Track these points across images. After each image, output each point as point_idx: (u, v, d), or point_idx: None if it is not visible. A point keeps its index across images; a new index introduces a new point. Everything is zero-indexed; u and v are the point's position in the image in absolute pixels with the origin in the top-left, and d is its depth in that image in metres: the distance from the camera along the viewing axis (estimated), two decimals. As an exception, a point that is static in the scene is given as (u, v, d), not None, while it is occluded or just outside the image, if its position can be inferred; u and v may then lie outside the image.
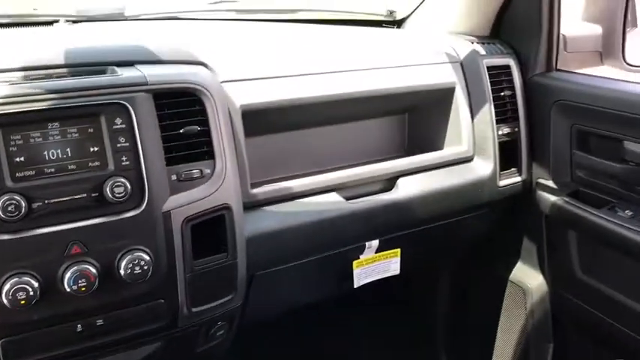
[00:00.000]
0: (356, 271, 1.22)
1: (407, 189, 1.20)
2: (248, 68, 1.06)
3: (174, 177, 0.91)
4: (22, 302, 0.80)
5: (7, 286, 0.79)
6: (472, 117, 1.29)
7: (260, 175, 1.10)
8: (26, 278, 0.80)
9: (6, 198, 0.79)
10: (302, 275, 1.18)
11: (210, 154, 0.94)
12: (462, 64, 1.30)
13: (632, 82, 1.24)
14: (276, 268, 1.10)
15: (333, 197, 1.13)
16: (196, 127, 0.93)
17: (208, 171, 0.94)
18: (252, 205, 1.04)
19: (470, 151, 1.29)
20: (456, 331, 1.63)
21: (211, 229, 0.95)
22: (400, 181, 1.21)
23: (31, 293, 0.80)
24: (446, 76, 1.28)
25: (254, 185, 1.05)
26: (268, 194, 1.06)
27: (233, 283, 0.99)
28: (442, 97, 1.29)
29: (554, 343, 1.41)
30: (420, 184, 1.22)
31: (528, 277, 1.41)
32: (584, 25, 1.39)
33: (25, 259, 0.80)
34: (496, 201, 1.32)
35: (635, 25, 1.51)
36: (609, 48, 1.36)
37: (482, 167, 1.29)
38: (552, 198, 1.30)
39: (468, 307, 1.59)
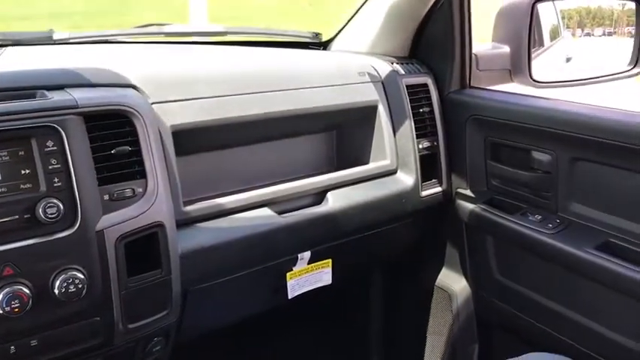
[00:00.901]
0: (290, 283, 1.26)
1: (335, 202, 1.26)
2: (177, 90, 1.10)
3: (106, 196, 0.93)
4: None
5: None
6: (394, 132, 1.37)
7: (193, 192, 1.13)
8: None
9: None
10: (237, 289, 1.21)
11: (141, 174, 0.97)
12: (383, 83, 1.37)
13: (539, 97, 1.35)
14: (210, 283, 1.13)
15: (265, 212, 1.17)
16: (127, 147, 0.96)
17: (140, 190, 0.96)
18: (185, 222, 1.07)
19: (393, 165, 1.37)
20: (389, 338, 1.70)
21: (145, 246, 0.98)
22: (329, 194, 1.26)
23: None
24: (368, 94, 1.36)
25: (187, 203, 1.08)
26: (201, 211, 1.09)
27: (168, 298, 1.02)
28: (366, 115, 1.36)
29: (479, 343, 1.50)
30: (348, 197, 1.28)
31: (453, 282, 1.50)
32: (494, 45, 1.50)
33: None
34: (419, 210, 1.40)
35: (541, 44, 1.64)
36: (517, 66, 1.47)
37: (406, 179, 1.37)
38: (470, 206, 1.39)
39: (399, 314, 1.66)
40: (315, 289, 1.32)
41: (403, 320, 1.66)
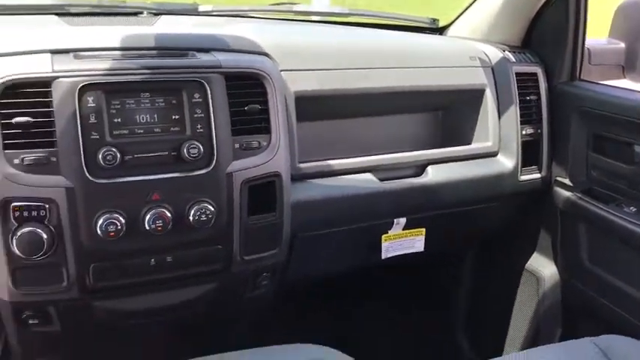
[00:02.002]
0: (384, 244, 1.38)
1: (435, 175, 1.36)
2: (303, 60, 1.24)
3: (237, 145, 1.09)
4: (112, 234, 0.99)
5: (100, 221, 0.99)
6: (499, 117, 1.44)
7: (307, 153, 1.28)
8: (116, 215, 0.99)
9: (105, 150, 0.98)
10: (337, 242, 1.35)
11: (267, 130, 1.12)
12: (492, 69, 1.45)
13: (648, 95, 1.37)
14: (315, 233, 1.28)
15: (369, 177, 1.30)
16: (257, 105, 1.11)
17: (265, 143, 1.12)
18: (299, 177, 1.22)
19: (495, 147, 1.44)
20: (473, 314, 1.77)
21: (264, 193, 1.14)
22: (430, 167, 1.37)
23: (119, 228, 0.99)
24: (478, 78, 1.43)
25: (301, 161, 1.23)
26: (312, 169, 1.24)
27: (278, 239, 1.17)
28: (473, 98, 1.44)
29: (562, 328, 1.54)
30: (447, 172, 1.38)
31: (542, 267, 1.55)
32: (609, 40, 1.52)
33: (116, 200, 1.00)
34: (516, 194, 1.47)
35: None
36: (631, 63, 1.49)
37: (505, 162, 1.44)
38: (567, 194, 1.44)
39: (486, 292, 1.73)
40: (407, 255, 1.43)
41: (489, 299, 1.72)
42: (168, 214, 1.03)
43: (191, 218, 1.04)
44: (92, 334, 1.14)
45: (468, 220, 1.50)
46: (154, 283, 1.10)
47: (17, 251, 0.96)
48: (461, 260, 1.76)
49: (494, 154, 1.45)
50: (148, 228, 1.02)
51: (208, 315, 1.21)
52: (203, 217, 1.05)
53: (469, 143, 1.46)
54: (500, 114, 1.44)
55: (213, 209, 1.05)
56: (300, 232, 1.25)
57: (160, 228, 1.02)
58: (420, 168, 1.37)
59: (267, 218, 1.15)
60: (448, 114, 1.51)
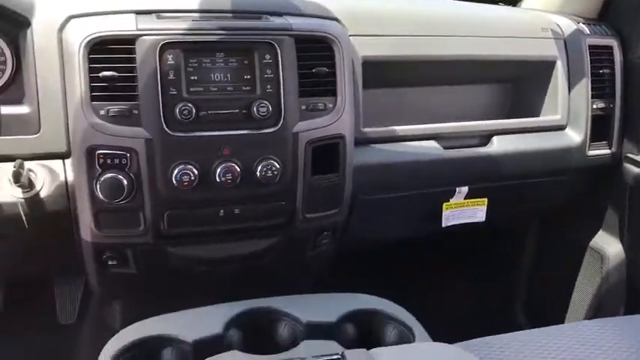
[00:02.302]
0: (445, 213, 1.40)
1: (500, 146, 1.36)
2: (372, 26, 1.27)
3: (303, 106, 1.14)
4: (185, 184, 1.06)
5: (175, 171, 1.06)
6: (569, 90, 1.42)
7: (371, 118, 1.31)
8: (190, 167, 1.06)
9: (182, 105, 1.05)
10: (397, 207, 1.38)
11: (333, 92, 1.16)
12: (565, 41, 1.42)
13: None
14: (375, 196, 1.31)
15: (433, 144, 1.32)
16: (325, 69, 1.15)
17: (330, 105, 1.16)
18: (362, 141, 1.25)
19: (563, 121, 1.42)
20: (534, 289, 1.77)
21: (327, 154, 1.18)
22: (495, 138, 1.37)
23: (192, 179, 1.06)
24: (549, 50, 1.42)
25: (365, 125, 1.26)
26: (376, 134, 1.27)
27: (339, 199, 1.22)
28: (543, 69, 1.43)
29: (625, 308, 1.52)
30: (513, 143, 1.37)
31: (607, 244, 1.53)
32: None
33: (190, 153, 1.07)
34: (583, 168, 1.45)
35: None
36: None
37: (574, 136, 1.42)
38: (638, 171, 1.40)
39: (547, 268, 1.72)
40: (468, 224, 1.44)
41: (550, 274, 1.71)
42: (237, 169, 1.09)
43: (258, 174, 1.10)
44: (165, 277, 1.22)
45: (532, 193, 1.49)
46: (222, 234, 1.17)
47: (100, 195, 1.05)
48: (523, 233, 1.75)
49: (562, 128, 1.43)
50: (218, 181, 1.08)
51: (272, 268, 1.27)
52: (269, 174, 1.10)
53: (537, 116, 1.45)
54: (570, 87, 1.42)
55: (278, 167, 1.11)
56: (362, 195, 1.29)
57: (229, 181, 1.08)
58: (486, 138, 1.38)
59: (330, 179, 1.19)
60: (517, 85, 1.50)
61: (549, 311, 1.69)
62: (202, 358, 0.82)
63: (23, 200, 1.08)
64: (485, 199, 1.41)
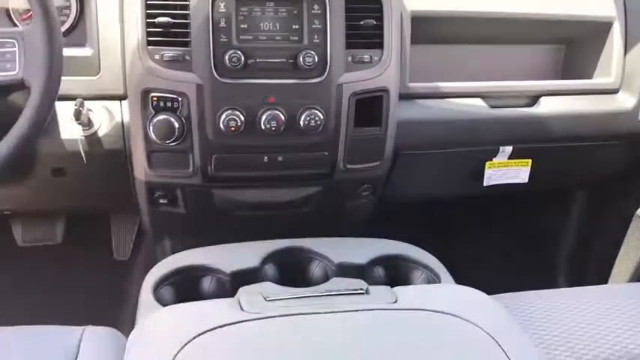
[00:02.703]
0: (487, 172, 1.40)
1: (548, 107, 1.35)
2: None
3: (349, 58, 1.16)
4: (232, 129, 1.11)
5: (223, 116, 1.11)
6: (625, 52, 1.38)
7: (417, 74, 1.32)
8: (237, 113, 1.11)
9: (231, 52, 1.09)
10: (439, 163, 1.40)
11: (379, 45, 1.17)
12: (624, 1, 1.38)
13: None
14: (418, 152, 1.33)
15: (478, 102, 1.32)
16: (373, 21, 1.16)
17: (376, 58, 1.17)
18: (406, 96, 1.27)
19: (616, 84, 1.39)
20: (576, 256, 1.75)
21: (371, 106, 1.20)
22: (543, 99, 1.36)
23: (239, 124, 1.11)
24: (606, 10, 1.38)
25: (411, 80, 1.27)
26: (421, 89, 1.28)
27: (381, 153, 1.24)
28: (599, 30, 1.39)
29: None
30: (561, 105, 1.36)
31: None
32: None
33: (237, 99, 1.11)
34: (634, 134, 1.42)
35: None
36: None
37: (626, 100, 1.39)
38: (692, 140, 1.37)
39: (590, 235, 1.70)
40: (510, 186, 1.45)
41: (594, 243, 1.70)
42: (282, 117, 1.13)
43: (301, 123, 1.14)
44: (210, 218, 1.29)
45: (579, 157, 1.47)
46: (265, 180, 1.22)
47: (153, 136, 1.11)
48: (567, 199, 1.73)
49: (614, 91, 1.40)
50: (263, 127, 1.12)
51: (311, 217, 1.32)
52: (312, 123, 1.14)
53: (588, 78, 1.42)
54: (627, 48, 1.38)
55: (322, 117, 1.14)
56: (404, 150, 1.31)
57: (273, 129, 1.13)
58: (534, 98, 1.36)
59: (372, 132, 1.21)
60: (569, 46, 1.46)
61: (591, 281, 1.68)
62: (238, 286, 0.88)
63: (83, 138, 1.16)
64: (530, 161, 1.41)
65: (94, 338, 0.95)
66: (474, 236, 1.87)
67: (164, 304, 0.85)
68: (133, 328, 0.84)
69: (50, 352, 0.91)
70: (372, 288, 0.75)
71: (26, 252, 1.64)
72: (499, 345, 0.65)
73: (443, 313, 0.69)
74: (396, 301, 0.72)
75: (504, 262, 1.84)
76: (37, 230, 1.63)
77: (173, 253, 1.50)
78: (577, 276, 1.77)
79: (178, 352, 0.60)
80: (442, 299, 0.73)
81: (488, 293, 0.96)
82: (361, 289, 0.75)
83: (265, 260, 0.94)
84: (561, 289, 1.09)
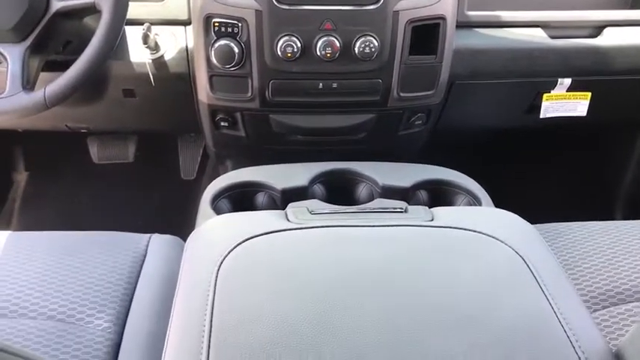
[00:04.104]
0: (544, 104, 1.39)
1: (612, 38, 1.31)
2: None
3: None
4: (289, 55, 1.15)
5: (280, 42, 1.15)
6: (702, -19, 1.31)
7: (475, 2, 1.30)
8: (293, 39, 1.15)
9: None
10: (495, 94, 1.39)
11: None
12: None
13: None
14: (474, 81, 1.33)
15: (538, 32, 1.30)
16: (432, -53, 1.16)
17: None
18: (464, 25, 1.26)
19: (690, 15, 1.33)
20: (634, 194, 1.72)
21: (427, 34, 1.21)
22: (607, 29, 1.31)
23: (295, 50, 1.15)
24: None
25: (469, 9, 1.26)
26: (480, 18, 1.27)
27: (435, 82, 1.25)
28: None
29: None
30: (627, 37, 1.31)
31: None
32: None
33: (294, 25, 1.14)
34: None
35: None
36: None
37: (699, 33, 1.33)
38: None
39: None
40: (567, 121, 1.43)
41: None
42: (337, 44, 1.15)
43: (356, 50, 1.16)
44: (267, 141, 1.36)
45: (641, 91, 1.43)
46: (320, 106, 1.26)
47: (214, 60, 1.17)
48: (627, 135, 1.69)
49: (686, 24, 1.34)
50: (318, 54, 1.16)
51: (363, 145, 1.36)
52: (367, 50, 1.16)
53: (660, 8, 1.36)
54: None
55: (377, 44, 1.16)
56: (459, 79, 1.31)
57: (328, 55, 1.16)
58: (598, 29, 1.32)
59: (427, 60, 1.22)
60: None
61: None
62: (288, 202, 0.95)
63: (150, 61, 1.24)
64: (589, 94, 1.38)
65: (159, 244, 1.05)
66: (525, 170, 1.86)
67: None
68: (192, 235, 0.94)
69: (121, 254, 1.02)
70: (411, 207, 0.79)
71: (102, 169, 1.77)
72: (529, 267, 0.69)
73: (475, 231, 0.73)
74: (432, 219, 0.77)
75: (555, 199, 1.84)
76: (110, 149, 1.75)
77: (234, 173, 1.60)
78: (634, 215, 1.75)
79: (228, 253, 0.67)
80: (477, 219, 0.76)
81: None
82: (401, 208, 0.80)
83: (314, 180, 1.00)
84: (607, 222, 1.10)
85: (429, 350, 0.58)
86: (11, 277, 0.96)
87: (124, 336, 0.89)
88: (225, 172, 1.63)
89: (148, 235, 1.07)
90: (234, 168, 1.57)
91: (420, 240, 0.72)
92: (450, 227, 0.74)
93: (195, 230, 0.77)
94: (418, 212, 0.78)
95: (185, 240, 1.07)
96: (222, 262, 0.65)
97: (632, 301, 0.95)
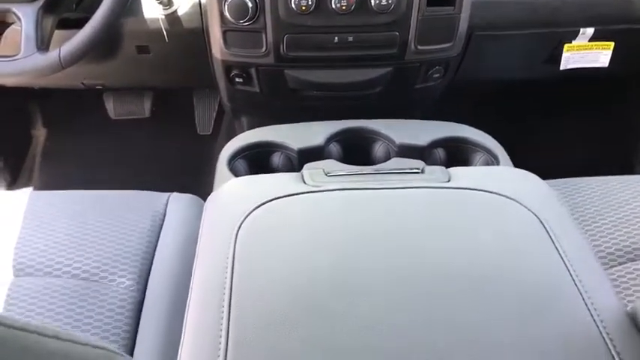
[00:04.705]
0: (565, 55, 1.36)
1: (638, -16, 1.27)
2: None
3: None
4: (303, 8, 1.13)
5: None
6: None
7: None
8: None
9: None
10: (515, 45, 1.36)
11: None
12: None
13: None
14: (492, 33, 1.30)
15: None
16: None
17: None
18: None
19: None
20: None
21: None
22: None
23: (309, 4, 1.12)
24: None
25: (489, -43, 1.22)
26: None
27: (454, 33, 1.23)
28: None
29: None
30: (654, -18, 1.27)
31: None
32: None
33: None
34: None
35: None
36: None
37: None
38: None
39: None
40: (588, 70, 1.39)
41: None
42: None
43: (372, 2, 1.13)
44: (283, 97, 1.35)
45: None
46: (336, 60, 1.24)
47: (228, 15, 1.15)
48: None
49: None
50: (333, 6, 1.13)
51: (380, 99, 1.35)
52: (383, 2, 1.13)
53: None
54: None
55: None
56: (478, 31, 1.28)
57: (344, 7, 1.13)
58: None
59: (446, 11, 1.19)
60: None
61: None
62: (305, 162, 0.95)
63: (164, 17, 1.22)
64: (612, 44, 1.34)
65: (179, 203, 1.06)
66: (543, 125, 1.83)
67: (237, 176, 0.93)
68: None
69: (141, 213, 1.04)
70: (427, 168, 0.79)
71: (119, 125, 1.78)
72: (545, 229, 0.69)
73: (492, 192, 0.73)
74: (449, 180, 0.77)
75: (573, 153, 1.81)
76: (126, 105, 1.76)
77: (249, 129, 1.60)
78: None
79: (245, 217, 0.68)
80: (493, 180, 0.76)
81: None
82: (417, 168, 0.80)
83: (330, 139, 1.00)
84: (627, 176, 1.08)
85: (443, 314, 0.59)
86: (35, 237, 0.98)
87: (146, 294, 0.91)
88: (240, 129, 1.64)
89: (167, 194, 1.09)
90: (250, 124, 1.57)
91: (436, 202, 0.72)
92: (467, 189, 0.73)
93: (213, 193, 0.78)
94: (435, 173, 0.78)
95: (203, 199, 1.09)
96: (239, 227, 0.66)
97: (650, 257, 0.95)
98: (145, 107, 1.76)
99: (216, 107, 1.83)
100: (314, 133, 1.01)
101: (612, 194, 1.04)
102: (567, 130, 1.83)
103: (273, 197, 0.71)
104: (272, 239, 0.66)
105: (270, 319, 0.58)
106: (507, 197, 0.72)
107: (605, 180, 1.09)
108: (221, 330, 0.56)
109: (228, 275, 0.61)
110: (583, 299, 0.61)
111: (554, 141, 1.81)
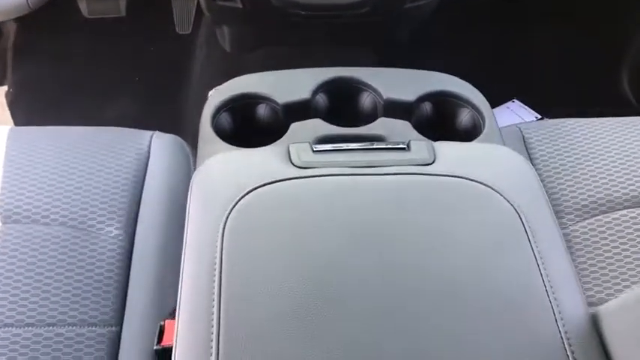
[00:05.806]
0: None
1: None
2: None
3: None
4: None
5: None
6: None
7: None
8: None
9: None
10: None
11: None
12: None
13: None
14: None
15: None
16: None
17: None
18: None
19: None
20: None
21: None
22: None
23: None
24: None
25: None
26: None
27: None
28: None
29: None
30: None
31: None
32: None
33: None
34: None
35: None
36: None
37: None
38: None
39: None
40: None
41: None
42: None
43: None
44: (268, 18, 1.29)
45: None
46: None
47: None
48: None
49: None
50: None
51: (370, 20, 1.29)
52: None
53: None
54: None
55: None
56: None
57: None
58: None
59: None
60: None
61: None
62: (291, 116, 0.94)
63: None
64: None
65: (162, 145, 1.06)
66: (529, 45, 1.77)
67: (222, 134, 0.92)
68: (193, 137, 0.94)
69: (125, 153, 1.03)
70: (413, 144, 0.79)
71: (94, 24, 1.69)
72: (523, 225, 0.70)
73: (473, 181, 0.74)
74: (433, 161, 0.77)
75: (558, 63, 1.78)
76: (101, 2, 1.66)
77: (232, 40, 1.54)
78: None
79: (233, 206, 0.69)
80: (477, 165, 0.77)
81: (543, 106, 0.95)
82: (402, 142, 0.80)
83: (316, 91, 0.98)
84: (614, 118, 1.09)
85: (411, 317, 0.62)
86: (19, 182, 0.98)
87: (134, 245, 0.94)
88: (222, 37, 1.58)
89: (150, 132, 1.08)
90: (232, 36, 1.52)
91: (416, 196, 0.73)
92: (450, 176, 0.75)
93: (198, 170, 0.78)
94: (421, 151, 0.78)
95: (185, 140, 1.08)
96: (226, 221, 0.68)
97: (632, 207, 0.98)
98: (120, 5, 1.67)
99: (195, 4, 1.74)
100: (300, 82, 0.98)
101: (600, 137, 1.05)
102: (556, 41, 1.78)
103: (260, 184, 0.71)
104: (259, 237, 0.68)
105: (262, 325, 0.61)
106: (488, 186, 0.74)
107: (591, 122, 1.09)
108: (212, 341, 0.60)
109: (217, 279, 0.63)
110: (551, 305, 0.65)
111: (544, 61, 1.78)
